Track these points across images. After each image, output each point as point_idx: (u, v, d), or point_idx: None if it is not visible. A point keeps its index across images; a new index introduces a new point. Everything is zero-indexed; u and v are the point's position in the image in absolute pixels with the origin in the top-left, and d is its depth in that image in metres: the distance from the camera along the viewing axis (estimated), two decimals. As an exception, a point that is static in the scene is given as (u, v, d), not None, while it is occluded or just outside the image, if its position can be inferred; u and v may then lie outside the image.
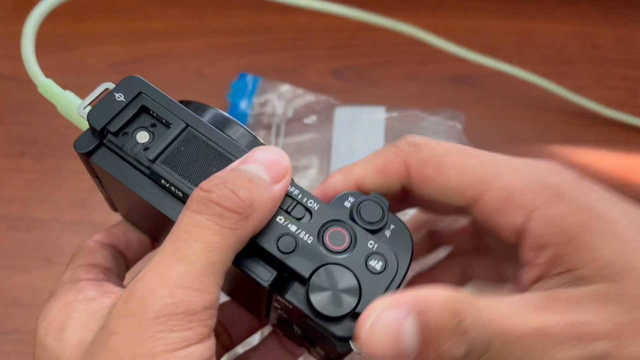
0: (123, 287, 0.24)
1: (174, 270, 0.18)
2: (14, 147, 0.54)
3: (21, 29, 0.27)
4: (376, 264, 0.21)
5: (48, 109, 0.57)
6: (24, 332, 0.47)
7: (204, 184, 0.20)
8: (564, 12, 0.60)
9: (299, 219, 0.21)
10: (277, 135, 0.52)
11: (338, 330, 0.20)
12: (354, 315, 0.20)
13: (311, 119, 0.53)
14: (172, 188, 0.21)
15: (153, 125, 0.22)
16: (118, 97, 0.22)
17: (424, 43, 0.58)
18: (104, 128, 0.22)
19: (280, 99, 0.54)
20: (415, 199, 0.25)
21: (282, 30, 0.60)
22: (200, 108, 0.24)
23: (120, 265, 0.27)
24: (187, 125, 0.22)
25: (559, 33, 0.59)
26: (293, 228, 0.21)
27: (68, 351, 0.20)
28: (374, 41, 0.59)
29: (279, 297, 0.21)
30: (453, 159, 0.23)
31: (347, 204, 0.22)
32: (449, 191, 0.23)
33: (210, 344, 0.19)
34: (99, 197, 0.53)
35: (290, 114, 0.53)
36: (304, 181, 0.50)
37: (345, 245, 0.21)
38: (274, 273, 0.21)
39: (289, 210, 0.21)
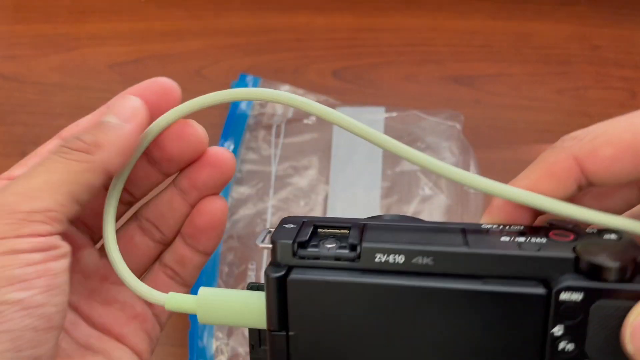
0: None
1: (13, 184, 0.22)
2: (15, 147, 0.54)
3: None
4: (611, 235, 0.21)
5: (48, 109, 0.57)
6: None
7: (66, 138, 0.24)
8: (563, 13, 0.60)
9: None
10: (277, 135, 0.52)
11: None
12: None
13: (311, 119, 0.53)
14: (390, 257, 0.21)
15: (333, 235, 0.23)
16: (288, 227, 0.23)
17: (424, 43, 0.58)
18: (295, 242, 0.22)
19: (281, 99, 0.54)
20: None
21: (282, 30, 0.60)
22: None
23: None
24: (365, 223, 0.23)
25: (558, 34, 0.60)
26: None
27: None
28: (374, 41, 0.60)
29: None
30: (622, 127, 0.21)
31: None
32: (633, 162, 0.21)
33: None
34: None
35: (290, 114, 0.53)
36: (304, 181, 0.50)
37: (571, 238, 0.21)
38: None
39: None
